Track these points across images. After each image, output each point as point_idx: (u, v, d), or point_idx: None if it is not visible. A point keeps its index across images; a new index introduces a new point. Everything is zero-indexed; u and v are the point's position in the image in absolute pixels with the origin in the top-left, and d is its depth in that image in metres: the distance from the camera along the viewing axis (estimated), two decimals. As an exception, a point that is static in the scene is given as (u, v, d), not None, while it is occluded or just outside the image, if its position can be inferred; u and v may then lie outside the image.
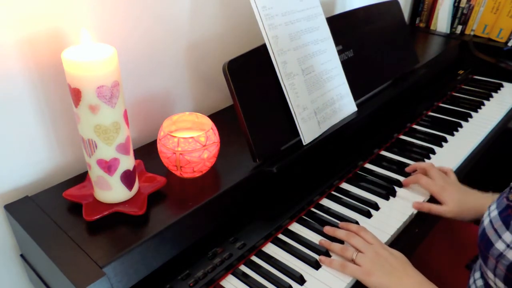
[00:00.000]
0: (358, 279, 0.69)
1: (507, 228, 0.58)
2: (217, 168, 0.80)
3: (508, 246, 0.58)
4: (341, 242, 0.75)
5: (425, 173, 0.90)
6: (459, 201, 0.84)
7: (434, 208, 0.84)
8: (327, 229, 0.77)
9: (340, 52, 0.96)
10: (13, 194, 0.74)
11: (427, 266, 0.95)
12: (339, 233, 0.75)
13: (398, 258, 0.70)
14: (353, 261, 0.70)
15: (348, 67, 0.97)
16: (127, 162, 0.67)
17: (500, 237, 0.59)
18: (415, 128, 1.12)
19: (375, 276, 0.67)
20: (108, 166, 0.65)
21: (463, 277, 0.82)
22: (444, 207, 0.83)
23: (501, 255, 0.58)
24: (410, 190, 0.89)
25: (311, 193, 0.85)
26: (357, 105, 0.98)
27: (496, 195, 0.85)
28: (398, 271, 0.68)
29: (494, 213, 0.62)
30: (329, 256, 0.74)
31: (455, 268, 0.92)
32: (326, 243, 0.75)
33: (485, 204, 0.81)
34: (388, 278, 0.67)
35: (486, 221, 0.63)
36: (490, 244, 0.60)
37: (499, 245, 0.59)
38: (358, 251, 0.71)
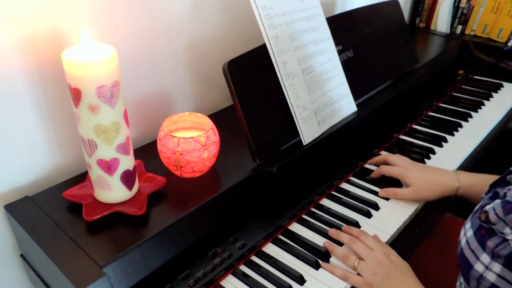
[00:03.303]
0: None
1: (484, 249, 0.58)
2: (217, 168, 0.80)
3: (486, 267, 0.57)
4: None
5: (385, 163, 0.92)
6: (423, 178, 0.85)
7: (398, 192, 0.85)
8: (332, 232, 0.77)
9: (340, 52, 0.96)
10: (13, 194, 0.74)
11: (425, 266, 0.95)
12: (342, 237, 0.75)
13: (399, 268, 0.69)
14: (354, 268, 0.70)
15: (348, 67, 0.97)
16: (127, 162, 0.67)
17: (478, 258, 0.59)
18: (415, 128, 1.12)
19: None
20: (108, 166, 0.65)
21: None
22: (409, 188, 0.84)
23: (481, 277, 0.58)
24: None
25: (311, 193, 0.85)
26: (357, 105, 0.98)
27: (460, 172, 0.86)
28: (398, 284, 0.67)
29: (470, 232, 0.62)
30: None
31: (454, 268, 0.92)
32: (330, 246, 0.75)
33: (448, 183, 0.84)
34: None
35: (463, 241, 0.63)
36: (469, 266, 0.60)
37: (478, 267, 0.59)
38: (360, 258, 0.71)
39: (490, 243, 0.57)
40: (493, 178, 0.83)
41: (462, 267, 0.63)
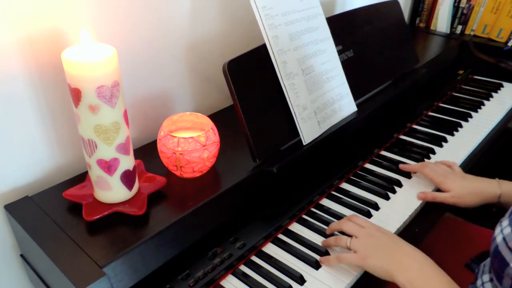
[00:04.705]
0: (356, 265, 0.69)
1: None
2: (217, 168, 0.80)
3: None
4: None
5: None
6: (463, 186, 0.83)
7: (438, 195, 0.84)
8: (328, 230, 0.77)
9: (340, 52, 0.96)
10: (13, 194, 0.74)
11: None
12: (333, 225, 0.75)
13: (391, 237, 0.69)
14: (348, 248, 0.70)
15: (348, 67, 0.97)
16: (127, 162, 0.67)
17: None
18: (415, 128, 1.12)
19: (372, 258, 0.67)
20: (108, 166, 0.65)
21: (463, 276, 0.82)
22: (448, 193, 0.83)
23: None
24: (410, 189, 0.89)
25: (311, 193, 0.85)
26: (357, 105, 0.98)
27: (501, 180, 0.84)
28: (394, 251, 0.67)
29: (508, 230, 0.60)
30: (329, 255, 0.74)
31: (455, 268, 0.91)
32: (325, 241, 0.75)
33: (490, 189, 0.82)
34: (386, 260, 0.66)
35: (498, 238, 0.61)
36: (505, 264, 0.58)
37: None
38: (353, 236, 0.70)
39: None
40: None
41: (496, 265, 0.60)
